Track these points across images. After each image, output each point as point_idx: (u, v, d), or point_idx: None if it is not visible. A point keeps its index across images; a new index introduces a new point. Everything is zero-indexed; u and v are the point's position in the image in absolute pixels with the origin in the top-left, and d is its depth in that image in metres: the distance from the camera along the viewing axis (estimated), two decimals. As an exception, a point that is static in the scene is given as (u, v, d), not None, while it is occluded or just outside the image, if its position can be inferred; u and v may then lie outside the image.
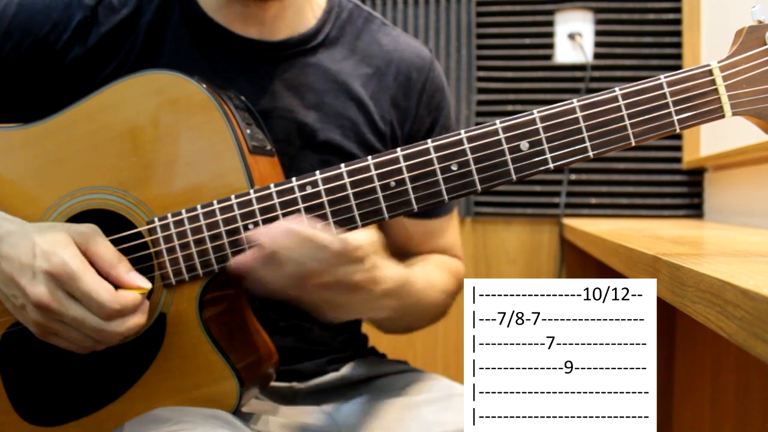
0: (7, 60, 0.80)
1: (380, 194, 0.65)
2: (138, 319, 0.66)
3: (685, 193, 1.78)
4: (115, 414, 0.72)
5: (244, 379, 0.71)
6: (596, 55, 1.83)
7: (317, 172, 0.66)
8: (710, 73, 0.60)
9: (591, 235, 1.13)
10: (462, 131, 0.64)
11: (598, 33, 1.83)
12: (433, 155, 0.64)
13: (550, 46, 1.85)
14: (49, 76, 0.81)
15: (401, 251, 0.93)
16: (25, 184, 0.75)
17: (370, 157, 0.65)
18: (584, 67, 1.82)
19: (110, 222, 0.72)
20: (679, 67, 1.74)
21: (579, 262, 1.80)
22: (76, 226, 0.67)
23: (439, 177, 0.64)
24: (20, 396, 0.74)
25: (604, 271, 1.07)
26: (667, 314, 1.65)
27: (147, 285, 0.67)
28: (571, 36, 1.83)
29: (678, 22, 1.78)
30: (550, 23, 1.85)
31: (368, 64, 0.90)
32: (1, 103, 0.82)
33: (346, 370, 0.91)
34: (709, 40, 1.70)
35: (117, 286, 0.65)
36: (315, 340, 0.90)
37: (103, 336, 0.65)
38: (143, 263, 0.72)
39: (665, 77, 0.61)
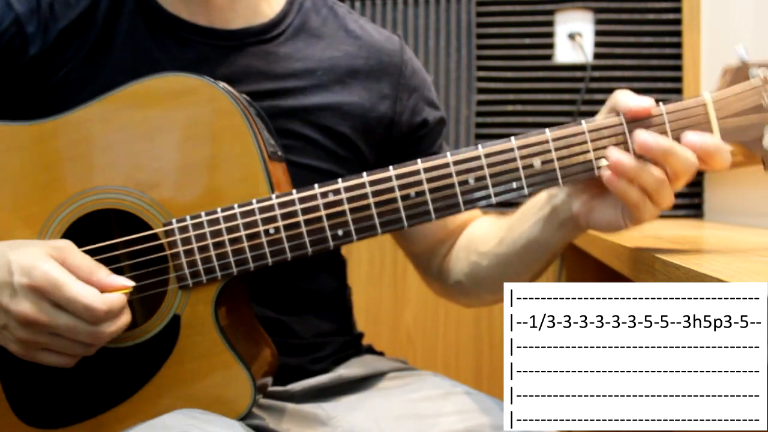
0: None
1: (401, 204, 0.69)
2: (125, 318, 0.67)
3: (685, 193, 1.78)
4: (123, 416, 0.72)
5: (257, 381, 0.72)
6: (596, 55, 1.83)
7: (339, 180, 0.69)
8: (704, 105, 0.67)
9: (591, 235, 1.13)
10: (479, 146, 0.69)
11: (598, 33, 1.83)
12: (452, 169, 0.68)
13: (550, 46, 1.85)
14: (8, 74, 0.80)
15: (438, 242, 0.95)
16: (36, 181, 0.74)
17: (391, 168, 0.69)
18: (584, 67, 1.82)
19: (124, 222, 0.72)
20: (678, 68, 1.75)
21: (579, 262, 1.80)
22: (50, 242, 0.68)
23: (457, 189, 0.69)
24: (20, 399, 0.74)
25: (604, 271, 1.07)
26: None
27: (130, 283, 0.67)
28: (571, 36, 1.83)
29: (678, 22, 1.78)
30: (550, 23, 1.85)
31: (336, 48, 0.90)
32: None
33: (343, 369, 0.91)
34: (709, 40, 1.70)
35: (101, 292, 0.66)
36: (313, 341, 0.90)
37: (95, 338, 0.65)
38: (158, 264, 0.72)
39: (665, 107, 0.67)
